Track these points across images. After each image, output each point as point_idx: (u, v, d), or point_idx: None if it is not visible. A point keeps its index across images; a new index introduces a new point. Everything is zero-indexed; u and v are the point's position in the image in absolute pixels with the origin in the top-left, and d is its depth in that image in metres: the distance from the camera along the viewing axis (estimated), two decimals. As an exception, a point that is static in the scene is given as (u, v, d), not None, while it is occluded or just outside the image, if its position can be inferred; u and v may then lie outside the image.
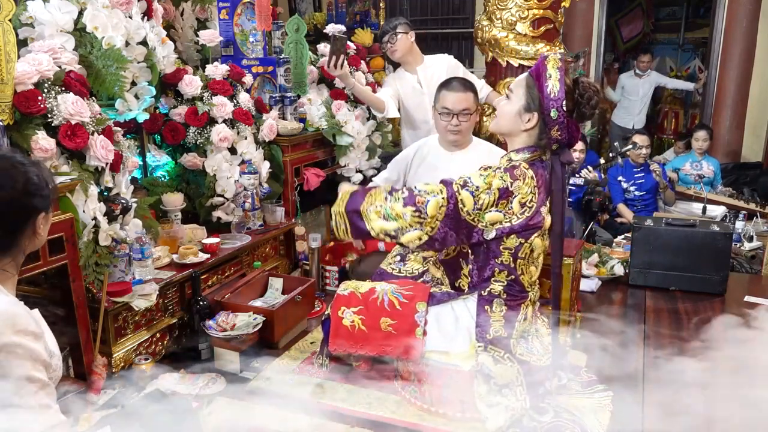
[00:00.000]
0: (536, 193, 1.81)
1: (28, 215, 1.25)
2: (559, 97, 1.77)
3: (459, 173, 2.54)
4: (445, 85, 2.62)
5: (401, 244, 1.85)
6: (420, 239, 1.79)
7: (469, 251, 1.88)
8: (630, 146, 4.25)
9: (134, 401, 1.85)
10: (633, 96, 6.43)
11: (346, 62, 3.13)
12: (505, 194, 1.76)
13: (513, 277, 1.87)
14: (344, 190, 1.99)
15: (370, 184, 3.05)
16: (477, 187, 1.77)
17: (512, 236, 1.81)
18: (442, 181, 1.81)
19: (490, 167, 1.86)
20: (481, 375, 1.84)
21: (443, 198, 1.75)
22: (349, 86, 3.30)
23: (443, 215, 1.75)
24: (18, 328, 1.17)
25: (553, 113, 1.79)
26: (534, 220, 1.81)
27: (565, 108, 1.78)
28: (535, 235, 1.83)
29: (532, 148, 1.88)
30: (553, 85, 1.78)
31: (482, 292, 1.90)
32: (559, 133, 1.81)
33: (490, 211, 1.75)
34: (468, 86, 2.61)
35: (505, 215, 1.76)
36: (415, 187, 1.80)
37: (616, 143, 5.06)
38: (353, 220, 1.87)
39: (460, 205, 1.76)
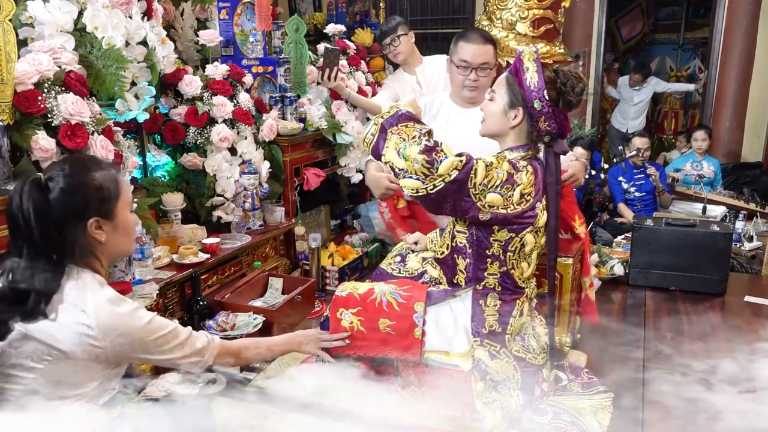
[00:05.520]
0: (533, 187, 1.81)
1: (69, 218, 1.29)
2: (539, 87, 1.78)
3: (473, 130, 2.49)
4: (463, 36, 2.45)
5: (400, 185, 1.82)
6: (417, 191, 1.74)
7: (466, 245, 1.88)
8: (634, 152, 4.27)
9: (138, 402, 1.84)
10: (628, 102, 6.47)
11: (339, 74, 3.16)
12: (510, 180, 1.77)
13: (504, 269, 1.87)
14: (400, 102, 1.94)
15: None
16: (491, 162, 1.77)
17: (503, 230, 1.82)
18: (463, 153, 1.78)
19: (500, 155, 1.86)
20: (477, 371, 1.84)
21: (460, 161, 1.72)
22: (345, 96, 3.38)
23: (451, 178, 1.70)
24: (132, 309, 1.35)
25: (536, 104, 1.79)
26: (527, 214, 1.81)
27: (548, 97, 1.78)
28: (527, 230, 1.84)
29: (526, 147, 1.88)
30: (531, 76, 1.79)
31: (477, 286, 1.90)
32: (547, 124, 1.82)
33: (494, 191, 1.75)
34: (488, 39, 2.47)
35: (504, 201, 1.77)
36: (441, 144, 1.75)
37: (620, 147, 5.07)
38: (380, 136, 1.84)
39: (472, 174, 1.72)
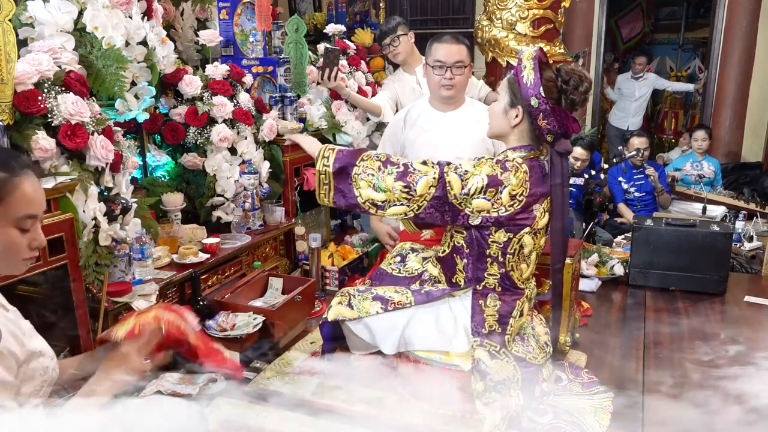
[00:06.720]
0: (527, 187, 1.81)
1: None
2: (535, 85, 1.78)
3: (452, 134, 2.51)
4: (437, 38, 2.54)
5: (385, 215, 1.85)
6: (405, 214, 1.81)
7: (463, 245, 1.89)
8: (634, 153, 4.27)
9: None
10: (629, 98, 6.45)
11: (339, 74, 3.16)
12: (494, 183, 1.77)
13: (504, 270, 1.87)
14: (314, 144, 1.91)
15: None
16: (466, 171, 1.79)
17: (501, 230, 1.82)
18: (438, 162, 1.82)
19: (483, 157, 1.88)
20: (477, 372, 1.84)
21: (434, 178, 1.77)
22: (344, 95, 3.38)
23: (431, 196, 1.77)
24: None
25: (533, 102, 1.79)
26: (522, 215, 1.81)
27: (545, 95, 1.78)
28: (525, 231, 1.84)
29: (528, 147, 1.88)
30: (528, 74, 1.80)
31: (477, 286, 1.90)
32: (546, 121, 1.81)
33: (478, 197, 1.77)
34: (461, 39, 2.53)
35: (493, 204, 1.78)
36: (411, 164, 1.80)
37: (620, 147, 5.07)
38: (338, 184, 1.82)
39: (448, 188, 1.77)
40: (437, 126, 2.58)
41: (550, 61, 2.00)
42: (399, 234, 2.79)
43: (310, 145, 1.96)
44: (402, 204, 1.79)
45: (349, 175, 1.83)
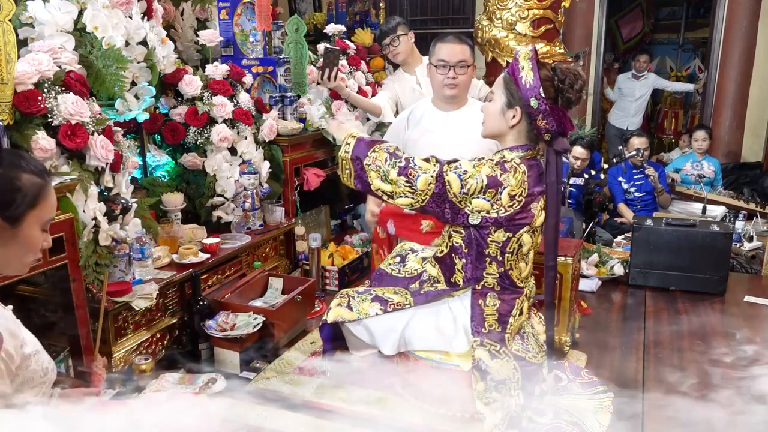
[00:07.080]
0: (526, 187, 1.81)
1: None
2: (534, 86, 1.79)
3: (455, 134, 2.53)
4: (440, 38, 2.54)
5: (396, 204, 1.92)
6: (412, 205, 1.87)
7: (462, 244, 1.89)
8: (634, 152, 4.27)
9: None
10: (629, 98, 6.44)
11: (339, 74, 3.16)
12: (493, 183, 1.78)
13: (503, 269, 1.88)
14: (347, 131, 2.00)
15: None
16: (465, 171, 1.80)
17: (500, 230, 1.82)
18: (439, 161, 1.85)
19: (483, 158, 1.88)
20: (477, 371, 1.84)
21: (432, 176, 1.80)
22: (344, 95, 3.38)
23: (431, 192, 1.81)
24: None
25: (533, 102, 1.80)
26: (521, 215, 1.81)
27: (544, 95, 1.78)
28: (524, 230, 1.84)
29: (525, 147, 1.88)
30: (527, 75, 1.80)
31: (476, 286, 1.90)
32: (545, 121, 1.82)
33: (478, 197, 1.78)
34: (464, 39, 2.53)
35: (492, 205, 1.78)
36: (413, 159, 1.85)
37: (620, 147, 5.07)
38: (357, 170, 1.92)
39: (447, 186, 1.80)
40: (440, 126, 2.58)
41: (550, 61, 2.00)
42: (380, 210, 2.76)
43: (339, 132, 2.05)
44: (407, 196, 1.84)
45: (362, 164, 1.89)
